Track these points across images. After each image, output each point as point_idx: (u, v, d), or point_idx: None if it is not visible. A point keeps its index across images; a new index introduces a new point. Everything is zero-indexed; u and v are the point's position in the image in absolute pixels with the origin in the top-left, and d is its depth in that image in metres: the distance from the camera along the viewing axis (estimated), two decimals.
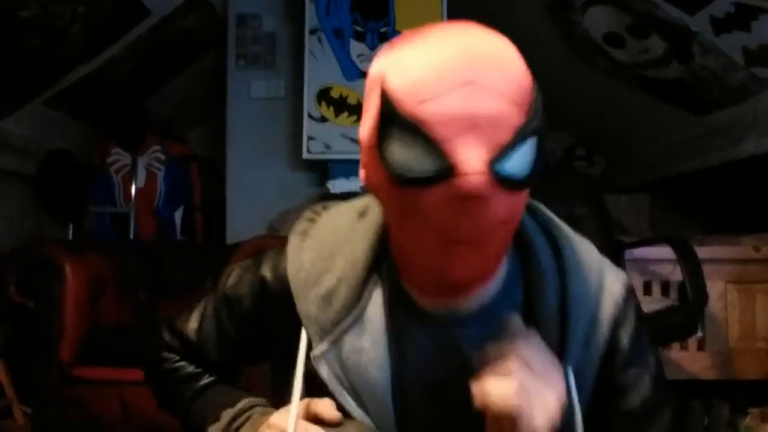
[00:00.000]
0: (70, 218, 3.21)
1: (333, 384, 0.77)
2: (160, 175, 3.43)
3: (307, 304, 0.78)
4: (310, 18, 3.07)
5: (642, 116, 3.35)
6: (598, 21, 2.82)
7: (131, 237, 3.31)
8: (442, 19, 2.98)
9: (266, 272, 0.84)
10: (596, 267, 0.80)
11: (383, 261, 0.78)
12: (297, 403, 0.76)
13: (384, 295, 0.78)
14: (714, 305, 2.44)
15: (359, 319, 0.77)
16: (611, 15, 2.72)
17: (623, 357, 0.79)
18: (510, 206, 0.67)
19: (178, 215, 3.52)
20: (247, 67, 3.36)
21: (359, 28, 3.07)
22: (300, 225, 0.84)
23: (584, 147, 4.42)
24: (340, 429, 0.75)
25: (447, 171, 0.63)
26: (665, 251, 2.31)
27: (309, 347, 0.78)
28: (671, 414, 0.86)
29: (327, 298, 0.77)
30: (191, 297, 2.85)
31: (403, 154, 0.65)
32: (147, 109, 3.58)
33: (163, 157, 3.45)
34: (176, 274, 2.75)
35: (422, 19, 2.84)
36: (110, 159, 3.36)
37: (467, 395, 0.69)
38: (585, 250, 0.81)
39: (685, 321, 2.03)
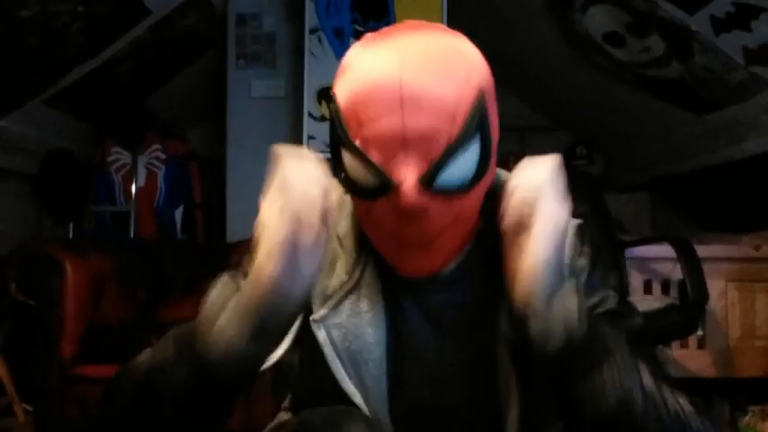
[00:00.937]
0: (71, 217, 3.22)
1: (327, 350, 0.79)
2: (160, 174, 3.43)
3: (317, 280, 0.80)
4: (310, 18, 3.07)
5: (642, 115, 3.35)
6: (598, 20, 2.82)
7: (132, 235, 3.31)
8: (441, 18, 2.98)
9: None
10: None
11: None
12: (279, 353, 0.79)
13: (376, 262, 0.82)
14: (714, 304, 2.44)
15: (358, 282, 0.81)
16: (611, 14, 2.72)
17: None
18: (453, 211, 0.72)
19: (178, 214, 3.52)
20: (248, 67, 3.37)
21: (359, 27, 3.07)
22: None
23: (585, 146, 4.42)
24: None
25: (387, 187, 0.70)
26: (665, 250, 2.32)
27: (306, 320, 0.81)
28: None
29: (332, 264, 0.82)
30: (191, 296, 2.85)
31: (353, 169, 0.73)
32: (148, 108, 3.58)
33: (163, 156, 3.45)
34: (177, 272, 2.75)
35: (421, 19, 2.84)
36: (110, 158, 3.36)
37: (452, 360, 0.78)
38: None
39: (686, 320, 2.03)
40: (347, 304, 0.80)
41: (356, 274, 0.81)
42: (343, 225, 0.85)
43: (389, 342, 0.80)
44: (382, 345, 0.80)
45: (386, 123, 0.69)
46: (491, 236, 0.76)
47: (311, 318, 0.80)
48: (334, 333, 0.79)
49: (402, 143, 0.69)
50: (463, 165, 0.71)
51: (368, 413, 0.78)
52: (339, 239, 0.83)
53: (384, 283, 0.82)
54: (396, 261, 0.77)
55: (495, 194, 0.76)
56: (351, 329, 0.79)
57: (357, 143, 0.72)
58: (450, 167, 0.70)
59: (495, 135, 0.76)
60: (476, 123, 0.70)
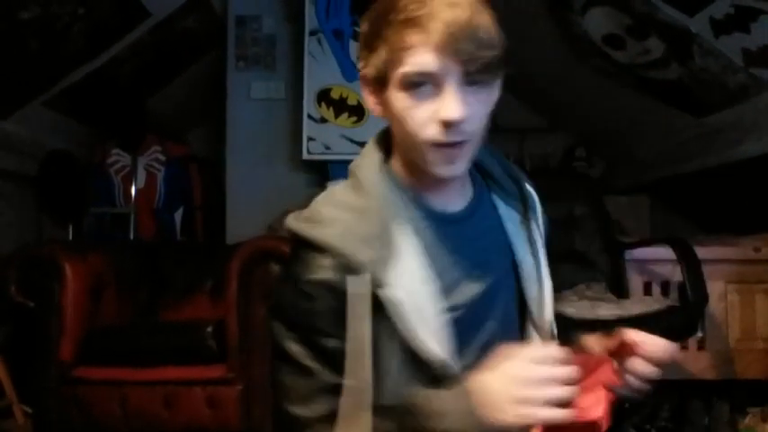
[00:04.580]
0: (70, 218, 3.21)
1: (400, 309, 0.84)
2: (160, 176, 3.43)
3: (361, 252, 0.85)
4: (310, 19, 3.07)
5: (642, 117, 3.35)
6: (598, 22, 2.82)
7: (131, 237, 3.31)
8: None
9: (311, 273, 0.87)
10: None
11: (399, 192, 0.92)
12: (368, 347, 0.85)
13: (411, 216, 0.91)
14: (714, 305, 2.44)
15: (401, 249, 0.87)
16: (610, 16, 2.73)
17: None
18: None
19: (178, 216, 3.52)
20: (247, 69, 3.37)
21: (359, 29, 3.07)
22: (295, 218, 0.93)
23: (584, 147, 4.42)
24: None
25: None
26: (665, 252, 2.32)
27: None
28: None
29: (368, 242, 0.86)
30: (190, 297, 2.86)
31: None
32: (148, 110, 3.58)
33: (163, 157, 3.45)
34: (176, 274, 2.75)
35: None
36: (110, 160, 3.37)
37: (483, 287, 0.93)
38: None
39: (685, 321, 2.03)
40: (401, 268, 0.86)
41: (398, 243, 0.87)
42: (360, 201, 0.90)
43: (437, 291, 0.88)
44: (435, 298, 0.87)
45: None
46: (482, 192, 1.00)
47: (380, 287, 0.84)
48: (401, 294, 0.85)
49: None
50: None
51: (443, 362, 0.86)
52: (362, 213, 0.89)
53: (419, 230, 0.91)
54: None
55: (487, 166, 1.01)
56: (411, 290, 0.86)
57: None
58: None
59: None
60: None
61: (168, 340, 2.24)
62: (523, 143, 4.52)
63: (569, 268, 2.39)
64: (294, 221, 0.92)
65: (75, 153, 3.22)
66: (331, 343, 0.84)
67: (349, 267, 0.84)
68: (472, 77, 0.84)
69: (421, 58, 0.82)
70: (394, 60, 0.85)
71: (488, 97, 0.88)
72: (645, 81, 2.97)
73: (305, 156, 3.06)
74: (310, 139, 3.04)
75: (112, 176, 3.36)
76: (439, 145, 0.85)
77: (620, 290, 2.36)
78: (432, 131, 0.84)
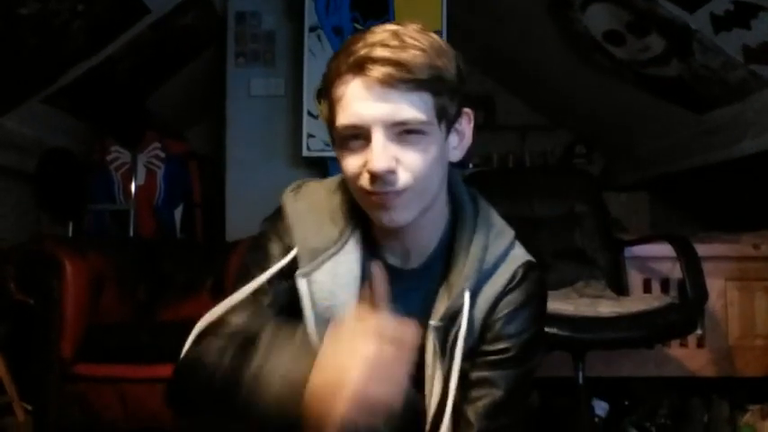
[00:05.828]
0: (70, 215, 3.21)
1: (305, 301, 0.93)
2: (160, 173, 3.43)
3: (303, 230, 0.95)
4: (310, 16, 3.06)
5: (642, 114, 3.35)
6: (598, 18, 2.82)
7: (131, 234, 3.31)
8: (441, 17, 2.97)
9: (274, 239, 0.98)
10: (506, 239, 0.98)
11: (357, 220, 0.96)
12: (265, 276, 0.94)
13: (359, 244, 0.96)
14: (714, 303, 2.44)
15: (341, 249, 0.94)
16: (611, 13, 2.72)
17: (500, 322, 0.95)
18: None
19: (178, 213, 3.52)
20: (247, 65, 3.36)
21: (358, 26, 3.06)
22: (290, 189, 1.02)
23: (584, 144, 4.43)
24: None
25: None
26: (664, 249, 2.32)
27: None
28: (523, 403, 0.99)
29: (320, 228, 0.95)
30: (190, 295, 2.85)
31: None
32: (147, 107, 3.58)
33: (162, 154, 3.45)
34: (176, 271, 2.75)
35: (421, 17, 2.84)
36: (109, 157, 3.36)
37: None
38: (500, 231, 0.99)
39: (685, 319, 2.03)
40: (329, 265, 0.93)
41: (341, 243, 0.94)
42: (336, 200, 0.98)
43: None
44: (349, 307, 0.91)
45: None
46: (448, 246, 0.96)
47: (297, 272, 0.93)
48: (314, 287, 0.93)
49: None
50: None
51: None
52: (331, 209, 0.97)
53: (364, 256, 0.95)
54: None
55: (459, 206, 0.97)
56: (327, 288, 0.93)
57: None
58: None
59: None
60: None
61: (168, 338, 2.23)
62: (524, 140, 4.52)
63: (569, 265, 2.39)
64: (289, 189, 1.02)
65: (74, 150, 3.22)
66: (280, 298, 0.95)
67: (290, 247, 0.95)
68: (405, 128, 0.85)
69: (348, 111, 0.85)
70: (330, 117, 0.90)
71: (428, 146, 0.86)
72: (645, 78, 2.97)
73: (305, 152, 3.05)
74: (310, 135, 3.04)
75: (112, 173, 3.35)
76: (370, 193, 0.87)
77: (619, 287, 2.36)
78: (363, 181, 0.86)
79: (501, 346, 0.94)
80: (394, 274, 0.93)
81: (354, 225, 0.96)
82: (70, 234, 3.18)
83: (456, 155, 0.94)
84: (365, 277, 0.94)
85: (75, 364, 2.20)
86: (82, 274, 2.26)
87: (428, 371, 0.94)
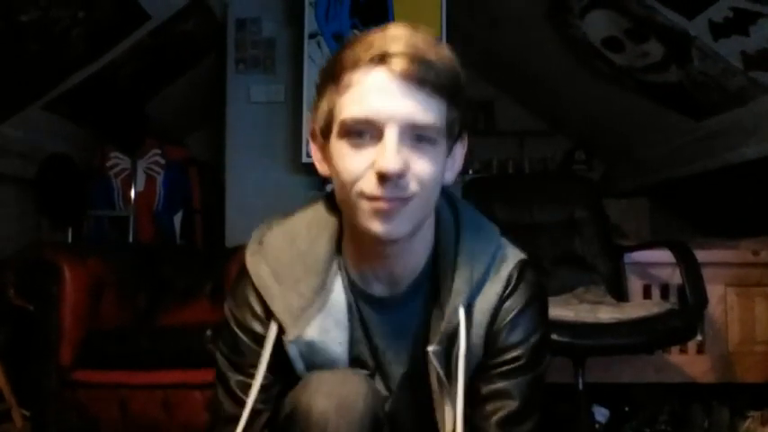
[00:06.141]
0: (70, 221, 3.21)
1: (298, 365, 0.89)
2: (159, 179, 3.43)
3: (277, 299, 0.88)
4: (309, 23, 3.07)
5: (641, 120, 3.36)
6: (597, 25, 2.83)
7: (131, 240, 3.31)
8: (441, 23, 2.98)
9: (244, 310, 0.92)
10: (493, 245, 0.92)
11: (340, 260, 0.92)
12: (260, 379, 0.88)
13: (344, 284, 0.91)
14: (713, 309, 2.44)
15: (325, 303, 0.88)
16: (610, 19, 2.73)
17: (504, 332, 0.90)
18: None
19: (177, 219, 3.52)
20: (247, 72, 3.37)
21: (358, 33, 3.07)
22: (252, 244, 0.94)
23: (584, 150, 4.43)
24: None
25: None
26: (664, 255, 2.32)
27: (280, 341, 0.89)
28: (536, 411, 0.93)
29: (297, 288, 0.88)
30: (190, 300, 2.84)
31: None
32: (147, 113, 3.58)
33: (162, 160, 3.45)
34: (175, 277, 2.74)
35: (421, 23, 2.84)
36: (109, 163, 3.36)
37: (413, 365, 0.91)
38: (485, 232, 0.94)
39: (685, 325, 2.03)
40: (316, 323, 0.87)
41: (323, 295, 0.88)
42: (310, 240, 0.91)
43: (351, 356, 0.92)
44: (344, 359, 0.90)
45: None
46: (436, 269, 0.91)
47: (284, 339, 0.87)
48: (305, 350, 0.88)
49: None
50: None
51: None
52: (303, 258, 0.89)
53: (351, 301, 0.91)
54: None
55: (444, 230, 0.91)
56: (319, 346, 0.88)
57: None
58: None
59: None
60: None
61: (168, 344, 2.24)
62: (523, 146, 4.53)
63: (569, 271, 2.38)
64: (251, 242, 0.94)
65: (74, 156, 3.22)
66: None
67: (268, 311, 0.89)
68: (420, 132, 0.79)
69: (363, 103, 0.78)
70: (337, 106, 0.81)
71: (437, 157, 0.81)
72: (644, 84, 2.97)
73: (304, 159, 3.06)
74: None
75: (112, 180, 3.36)
76: (372, 198, 0.78)
77: (619, 293, 2.35)
78: (365, 184, 0.78)
79: (510, 355, 0.89)
80: (382, 304, 0.91)
81: (338, 265, 0.90)
82: (70, 240, 3.18)
83: (448, 177, 0.88)
84: (353, 314, 0.92)
85: (75, 371, 2.20)
86: (81, 279, 2.26)
87: (435, 397, 0.89)
